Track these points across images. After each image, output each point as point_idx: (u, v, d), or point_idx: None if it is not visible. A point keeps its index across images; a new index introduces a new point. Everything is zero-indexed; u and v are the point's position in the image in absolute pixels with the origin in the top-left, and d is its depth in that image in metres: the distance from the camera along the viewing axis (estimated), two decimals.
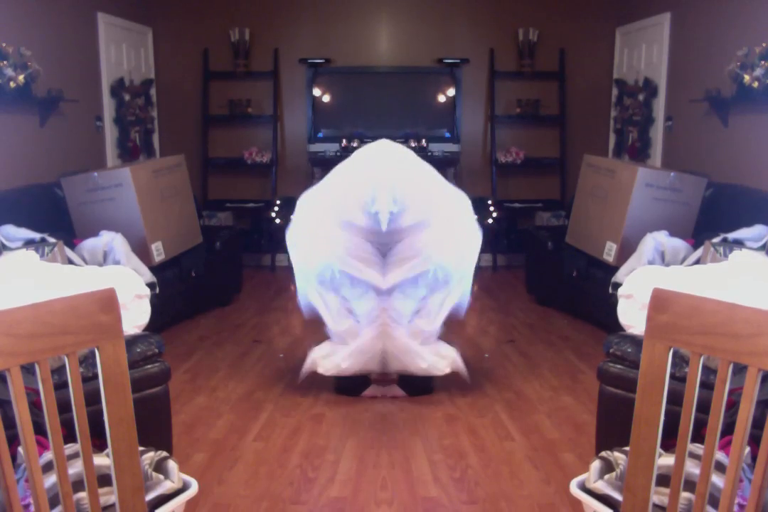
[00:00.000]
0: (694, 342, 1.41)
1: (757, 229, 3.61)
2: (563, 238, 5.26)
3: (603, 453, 1.87)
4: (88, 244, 3.97)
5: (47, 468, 1.60)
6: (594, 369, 3.11)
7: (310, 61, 6.66)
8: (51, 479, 1.55)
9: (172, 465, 1.82)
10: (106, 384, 1.44)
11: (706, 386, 1.55)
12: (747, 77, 4.25)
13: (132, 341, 2.73)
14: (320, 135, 6.77)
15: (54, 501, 1.51)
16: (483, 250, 3.62)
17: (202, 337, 4.69)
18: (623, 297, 2.94)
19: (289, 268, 3.68)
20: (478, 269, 3.66)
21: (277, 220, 6.25)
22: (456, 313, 3.57)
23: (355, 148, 6.53)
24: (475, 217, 3.54)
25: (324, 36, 6.73)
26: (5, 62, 4.10)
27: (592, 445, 2.95)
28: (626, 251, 4.28)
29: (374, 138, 6.75)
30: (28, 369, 1.42)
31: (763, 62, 4.16)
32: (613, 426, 2.62)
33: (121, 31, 5.91)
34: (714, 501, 1.54)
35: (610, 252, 4.53)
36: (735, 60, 4.38)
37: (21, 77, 4.18)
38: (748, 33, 4.39)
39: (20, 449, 1.70)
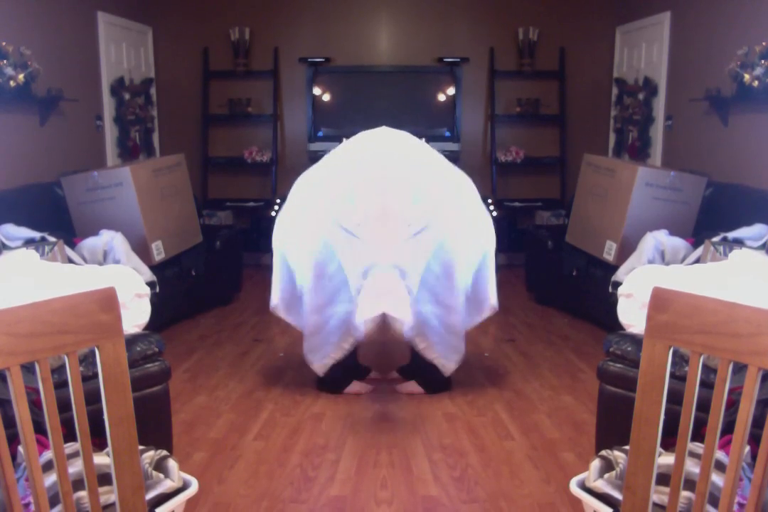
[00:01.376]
0: (694, 341, 1.41)
1: (756, 228, 3.61)
2: (563, 237, 5.26)
3: (603, 452, 1.88)
4: (88, 243, 3.97)
5: (47, 467, 1.60)
6: (594, 368, 3.12)
7: (310, 60, 6.66)
8: (51, 478, 1.55)
9: (172, 464, 1.82)
10: (106, 384, 1.44)
11: (706, 385, 1.55)
12: (747, 76, 4.25)
13: (132, 340, 2.73)
14: (320, 134, 6.77)
15: (54, 500, 1.51)
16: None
17: (202, 336, 4.69)
18: (623, 296, 2.94)
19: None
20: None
21: None
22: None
23: None
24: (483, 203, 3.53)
25: (324, 35, 6.73)
26: (5, 61, 4.10)
27: (592, 444, 2.95)
28: (626, 250, 4.28)
29: None
30: (28, 369, 1.42)
31: (763, 61, 4.15)
32: (613, 425, 2.63)
33: (121, 31, 5.91)
34: (714, 500, 1.54)
35: (610, 251, 4.53)
36: (735, 59, 4.38)
37: (21, 76, 4.18)
38: (749, 32, 4.38)
39: (20, 448, 1.70)
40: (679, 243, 3.97)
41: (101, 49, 5.56)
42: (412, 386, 3.68)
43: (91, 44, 5.47)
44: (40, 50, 4.50)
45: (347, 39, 6.75)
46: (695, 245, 3.91)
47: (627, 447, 1.63)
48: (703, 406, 1.45)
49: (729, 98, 4.57)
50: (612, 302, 3.14)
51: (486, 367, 4.13)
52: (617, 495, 1.71)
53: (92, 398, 1.51)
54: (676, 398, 1.50)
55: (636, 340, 2.71)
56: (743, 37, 4.42)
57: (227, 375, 3.97)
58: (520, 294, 5.76)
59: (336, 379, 3.66)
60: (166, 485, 1.77)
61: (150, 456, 1.85)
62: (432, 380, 3.66)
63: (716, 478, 1.60)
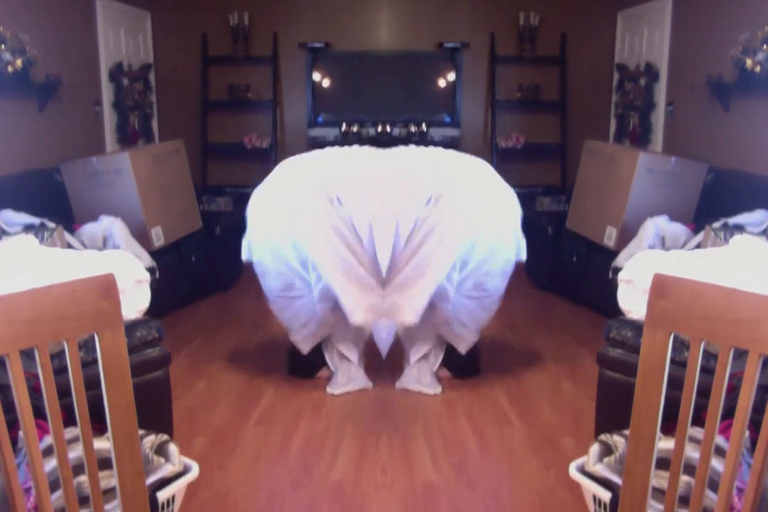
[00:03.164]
0: (694, 327, 1.40)
1: (757, 214, 3.60)
2: (564, 224, 5.25)
3: (602, 437, 1.88)
4: (88, 229, 3.96)
5: (48, 452, 1.60)
6: (593, 354, 3.12)
7: (309, 45, 6.63)
8: (51, 463, 1.55)
9: (172, 448, 1.83)
10: (105, 371, 1.44)
11: (706, 371, 1.55)
12: (749, 62, 4.22)
13: (132, 326, 2.73)
14: (320, 120, 6.75)
15: (55, 485, 1.51)
16: None
17: (202, 322, 4.70)
18: (623, 282, 2.94)
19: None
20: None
21: None
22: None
23: (355, 133, 6.53)
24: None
25: (324, 20, 6.69)
26: (3, 47, 4.07)
27: (591, 430, 2.96)
28: (627, 236, 4.28)
29: (374, 122, 6.75)
30: (27, 354, 1.42)
31: (765, 47, 4.12)
32: (613, 411, 2.63)
33: (119, 16, 5.87)
34: (713, 485, 1.54)
35: (610, 237, 4.53)
36: (737, 44, 4.35)
37: (19, 62, 4.15)
38: (751, 17, 4.35)
39: (21, 433, 1.71)
40: (679, 229, 3.96)
41: (99, 34, 5.52)
42: (441, 370, 3.70)
43: (90, 29, 5.44)
44: (38, 35, 4.46)
45: (347, 24, 6.71)
46: (696, 231, 3.90)
47: (626, 432, 1.63)
48: (703, 392, 1.45)
49: (730, 84, 4.55)
50: (612, 288, 3.14)
51: (485, 353, 4.13)
52: (616, 479, 1.72)
53: (92, 383, 1.51)
54: (676, 383, 1.50)
55: (636, 326, 2.71)
56: (745, 22, 4.39)
57: (227, 361, 3.98)
58: (520, 280, 5.75)
59: (308, 365, 3.68)
60: (167, 469, 1.78)
61: (151, 440, 1.86)
62: (460, 365, 3.68)
63: (716, 463, 1.60)
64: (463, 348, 3.57)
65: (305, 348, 3.56)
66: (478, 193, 3.37)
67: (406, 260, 3.21)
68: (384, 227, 3.19)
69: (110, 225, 3.96)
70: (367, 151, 3.51)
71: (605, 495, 1.72)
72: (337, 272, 3.23)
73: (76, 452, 1.65)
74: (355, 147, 3.59)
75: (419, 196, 3.22)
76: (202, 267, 5.06)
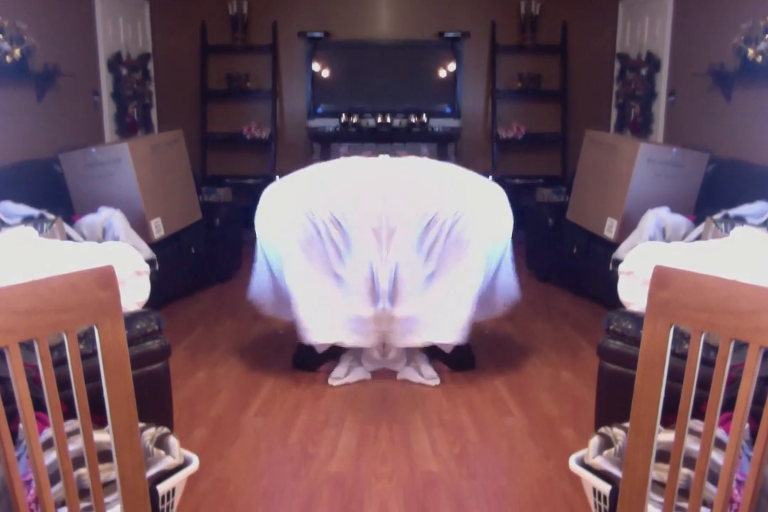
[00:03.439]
0: (695, 319, 1.40)
1: (758, 205, 3.59)
2: (564, 214, 5.24)
3: (602, 429, 1.88)
4: (87, 221, 3.95)
5: (48, 444, 1.60)
6: (594, 345, 3.12)
7: (309, 34, 6.59)
8: (51, 456, 1.55)
9: (173, 440, 1.83)
10: (105, 362, 1.44)
11: (706, 362, 1.55)
12: (751, 51, 4.20)
13: (132, 318, 2.72)
14: (319, 110, 6.72)
15: (55, 478, 1.51)
16: None
17: (201, 314, 4.69)
18: (624, 273, 2.93)
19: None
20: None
21: None
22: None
23: (354, 124, 6.50)
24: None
25: (323, 9, 6.64)
26: (1, 36, 4.05)
27: (591, 421, 2.96)
28: (627, 227, 4.27)
29: (374, 113, 6.71)
30: (27, 346, 1.41)
31: (767, 36, 4.11)
32: (613, 403, 2.63)
33: (117, 4, 5.83)
34: (713, 478, 1.54)
35: (611, 228, 4.52)
36: (739, 34, 4.33)
37: (17, 51, 4.13)
38: (753, 6, 4.32)
39: (21, 426, 1.70)
40: (680, 220, 3.95)
41: (98, 23, 5.49)
42: (438, 364, 3.71)
43: (88, 18, 5.40)
44: (36, 24, 4.44)
45: (347, 13, 6.67)
46: (696, 222, 3.89)
47: (626, 424, 1.63)
48: (703, 384, 1.45)
49: (732, 73, 4.52)
50: (612, 279, 3.14)
51: (486, 344, 4.13)
52: (616, 471, 1.72)
53: (92, 376, 1.50)
54: (676, 376, 1.50)
55: (636, 318, 2.71)
56: (747, 11, 4.36)
57: (227, 352, 3.98)
58: (521, 272, 5.72)
59: (315, 358, 3.69)
60: (167, 462, 1.78)
61: (151, 433, 1.86)
62: (456, 358, 3.69)
63: (715, 456, 1.60)
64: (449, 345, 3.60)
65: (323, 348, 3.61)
66: (488, 203, 3.51)
67: (418, 276, 3.29)
68: (384, 241, 3.26)
69: (110, 216, 3.95)
70: (364, 162, 3.55)
71: (605, 488, 1.73)
72: (305, 287, 3.38)
73: (76, 444, 1.65)
74: (352, 159, 3.64)
75: (420, 212, 3.31)
76: (202, 259, 5.06)
